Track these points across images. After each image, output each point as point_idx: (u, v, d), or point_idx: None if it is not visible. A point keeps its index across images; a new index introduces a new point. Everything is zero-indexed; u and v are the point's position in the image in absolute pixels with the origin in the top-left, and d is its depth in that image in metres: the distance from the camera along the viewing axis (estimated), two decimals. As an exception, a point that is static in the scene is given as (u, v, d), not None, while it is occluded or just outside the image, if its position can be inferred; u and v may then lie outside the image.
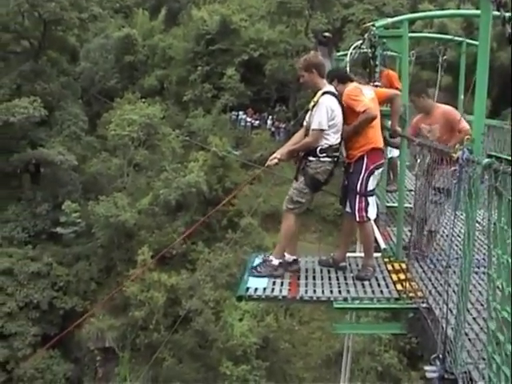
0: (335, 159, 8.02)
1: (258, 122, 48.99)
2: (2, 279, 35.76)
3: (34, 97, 39.48)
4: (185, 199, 37.22)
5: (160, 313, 32.71)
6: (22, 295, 35.52)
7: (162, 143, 42.37)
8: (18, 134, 40.13)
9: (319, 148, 7.82)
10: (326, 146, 7.87)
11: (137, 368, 33.07)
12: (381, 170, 8.30)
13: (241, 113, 49.02)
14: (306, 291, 7.74)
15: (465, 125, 9.00)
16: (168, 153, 41.81)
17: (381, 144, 8.15)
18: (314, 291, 7.72)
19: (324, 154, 7.87)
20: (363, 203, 8.01)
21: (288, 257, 8.36)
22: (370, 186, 8.04)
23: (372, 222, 10.84)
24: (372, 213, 8.20)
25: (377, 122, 8.07)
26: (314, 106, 7.98)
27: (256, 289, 7.86)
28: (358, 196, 8.00)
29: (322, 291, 7.69)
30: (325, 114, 7.77)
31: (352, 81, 8.52)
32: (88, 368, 35.09)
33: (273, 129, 47.77)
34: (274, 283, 8.02)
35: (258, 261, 8.71)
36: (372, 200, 8.16)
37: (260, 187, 38.67)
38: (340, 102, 7.94)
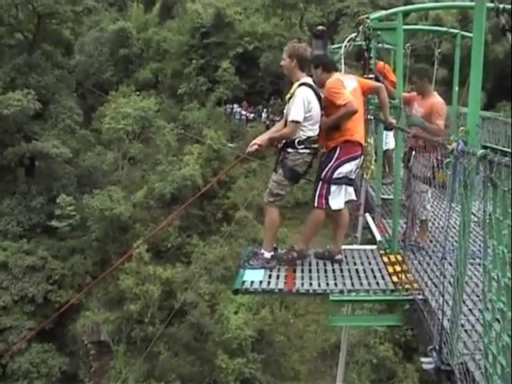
0: (314, 151, 7.98)
1: (252, 115, 49.00)
2: (-3, 273, 35.76)
3: (28, 90, 39.34)
4: (180, 192, 37.17)
5: (155, 306, 32.71)
6: (17, 289, 35.48)
7: (157, 136, 42.33)
8: (13, 127, 39.95)
9: (297, 140, 7.77)
10: (304, 137, 7.83)
11: (132, 361, 33.05)
12: (357, 161, 8.22)
13: (235, 106, 49.01)
14: (303, 284, 7.74)
15: (439, 123, 9.08)
16: (163, 146, 41.77)
17: (358, 137, 8.06)
18: (311, 284, 7.72)
19: (302, 146, 7.82)
20: (324, 190, 7.97)
21: (266, 253, 8.27)
22: (338, 175, 7.96)
23: (367, 215, 10.91)
24: (335, 203, 8.09)
25: (357, 115, 8.02)
26: (290, 98, 7.93)
27: (252, 282, 7.85)
28: (320, 182, 7.98)
29: (319, 284, 7.69)
30: (301, 105, 7.70)
31: (336, 70, 8.54)
32: (83, 361, 35.06)
33: (267, 122, 47.67)
34: (269, 276, 8.01)
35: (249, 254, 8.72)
36: (337, 189, 8.06)
37: (255, 180, 38.69)
38: (317, 94, 7.90)
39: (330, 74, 8.28)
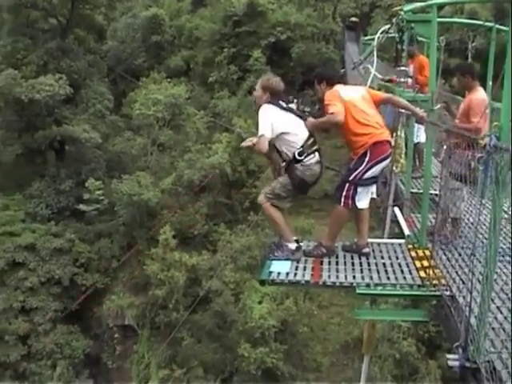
0: (319, 157, 8.16)
1: (282, 105, 48.78)
2: (25, 254, 36.03)
3: (60, 74, 39.58)
4: (208, 180, 37.18)
5: (180, 292, 32.78)
6: (44, 270, 35.78)
7: (187, 124, 42.37)
8: (44, 111, 40.16)
9: (296, 153, 7.94)
10: (299, 148, 8.00)
11: (155, 346, 33.27)
12: (387, 161, 8.26)
13: (265, 96, 48.84)
14: (329, 276, 7.73)
15: (474, 120, 8.98)
16: (192, 133, 41.76)
17: (382, 136, 8.11)
18: (337, 276, 7.71)
19: (304, 155, 7.97)
20: (351, 191, 8.03)
21: (290, 245, 8.41)
22: (366, 177, 8.04)
23: (396, 209, 10.83)
24: (362, 203, 8.22)
25: (366, 118, 8.05)
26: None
27: (279, 273, 7.87)
28: (347, 184, 8.05)
29: (345, 276, 7.68)
30: (266, 121, 7.97)
31: (340, 82, 8.59)
32: (107, 345, 35.36)
33: (297, 113, 47.51)
34: (296, 268, 8.02)
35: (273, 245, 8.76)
36: (364, 190, 8.16)
37: (283, 170, 38.61)
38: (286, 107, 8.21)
39: (333, 87, 8.33)
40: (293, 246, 8.36)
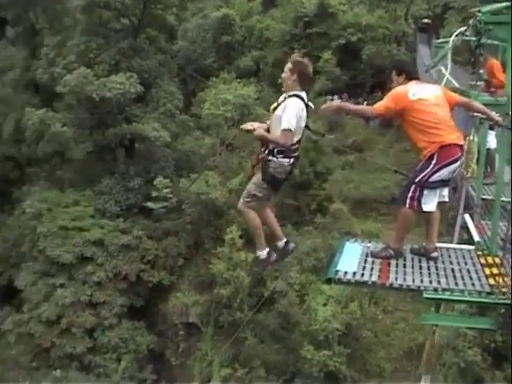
0: (294, 159, 8.05)
1: (352, 107, 48.43)
2: (94, 249, 36.72)
3: (131, 73, 40.23)
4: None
5: (244, 292, 32.89)
6: (112, 266, 36.41)
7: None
8: (115, 109, 40.87)
9: (276, 149, 7.88)
10: (283, 149, 7.93)
11: (218, 345, 33.43)
12: (456, 164, 8.07)
13: (336, 97, 48.54)
14: (396, 278, 7.68)
15: None
16: (261, 134, 41.71)
17: (451, 138, 7.94)
18: (404, 279, 7.65)
19: (281, 155, 7.90)
20: (417, 193, 7.93)
21: (260, 253, 8.36)
22: (433, 180, 7.92)
23: (466, 215, 10.67)
24: (428, 206, 8.05)
25: (435, 118, 7.92)
26: (275, 108, 8.06)
27: (346, 272, 7.85)
28: (413, 185, 7.97)
29: (413, 280, 7.61)
30: (294, 115, 7.79)
31: (417, 79, 8.44)
32: (171, 341, 35.63)
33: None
34: (364, 268, 7.99)
35: (350, 245, 8.75)
36: (430, 193, 8.01)
37: (352, 173, 38.40)
38: (307, 106, 8.01)
39: (410, 81, 8.26)
40: (262, 254, 8.34)
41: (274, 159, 7.90)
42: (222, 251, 34.04)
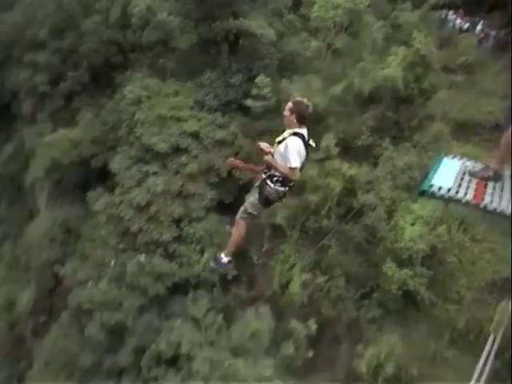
0: (289, 188, 9.56)
1: (467, 25, 46.40)
2: (189, 141, 37.07)
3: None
4: (378, 92, 36.20)
5: (334, 201, 32.61)
6: (205, 159, 36.68)
7: (364, 32, 41.23)
8: (223, 3, 40.35)
9: (275, 178, 9.24)
10: (282, 178, 9.37)
11: (301, 249, 33.56)
12: None
13: (451, 13, 46.73)
14: (491, 201, 7.28)
15: None
16: (368, 42, 40.62)
17: None
18: (500, 203, 7.21)
19: (279, 185, 9.36)
20: None
21: (224, 258, 9.98)
22: None
23: None
24: None
25: None
26: (280, 142, 9.44)
27: (440, 187, 7.54)
28: None
29: (508, 206, 7.16)
30: (297, 154, 9.17)
31: None
32: (255, 240, 36.05)
33: (482, 35, 45.17)
34: (459, 185, 7.65)
35: (448, 160, 8.50)
36: None
37: (458, 94, 37.03)
38: (305, 143, 9.43)
39: None
40: (224, 259, 9.88)
41: (271, 185, 9.31)
42: (315, 157, 33.63)
